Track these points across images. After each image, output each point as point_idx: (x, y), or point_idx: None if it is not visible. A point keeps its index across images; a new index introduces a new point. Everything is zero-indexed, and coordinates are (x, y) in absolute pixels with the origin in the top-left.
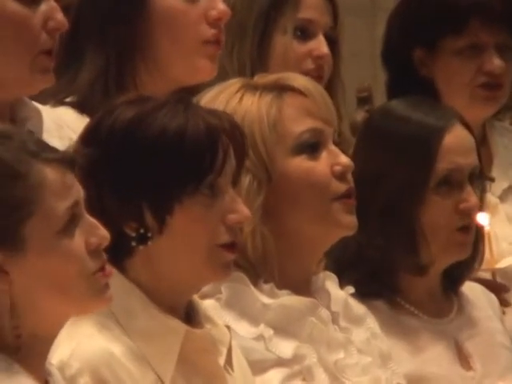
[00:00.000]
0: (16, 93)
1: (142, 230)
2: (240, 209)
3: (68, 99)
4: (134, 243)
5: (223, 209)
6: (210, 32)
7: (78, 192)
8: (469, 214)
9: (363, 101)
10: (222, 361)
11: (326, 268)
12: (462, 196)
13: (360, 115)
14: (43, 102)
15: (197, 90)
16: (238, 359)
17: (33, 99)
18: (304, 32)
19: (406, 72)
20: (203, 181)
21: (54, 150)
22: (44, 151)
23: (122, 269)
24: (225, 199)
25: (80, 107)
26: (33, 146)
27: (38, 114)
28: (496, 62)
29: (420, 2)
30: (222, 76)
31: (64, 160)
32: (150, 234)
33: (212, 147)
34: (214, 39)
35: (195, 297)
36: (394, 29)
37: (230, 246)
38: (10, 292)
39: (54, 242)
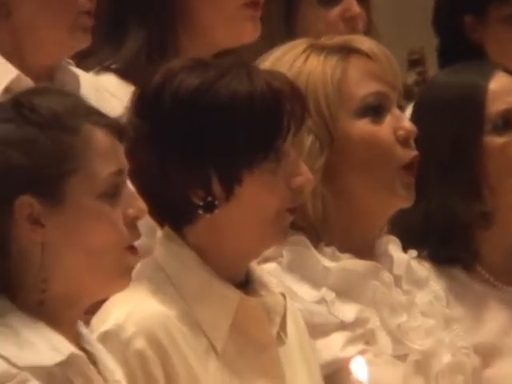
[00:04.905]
0: (56, 53)
1: (209, 198)
2: (303, 171)
3: (112, 66)
4: (200, 211)
5: (287, 172)
6: None
7: (123, 161)
8: None
9: (415, 63)
10: (274, 330)
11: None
12: None
13: (412, 78)
14: (87, 70)
15: (236, 51)
16: (296, 324)
17: (77, 67)
18: None
19: (457, 38)
20: (272, 146)
21: (105, 116)
22: (96, 115)
23: (181, 234)
24: (288, 163)
25: (124, 74)
26: (86, 108)
27: (76, 78)
28: None
29: None
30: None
31: (114, 127)
32: (217, 203)
33: (278, 111)
34: (254, 0)
35: (251, 263)
36: None
37: (293, 209)
38: (42, 246)
39: (93, 204)
